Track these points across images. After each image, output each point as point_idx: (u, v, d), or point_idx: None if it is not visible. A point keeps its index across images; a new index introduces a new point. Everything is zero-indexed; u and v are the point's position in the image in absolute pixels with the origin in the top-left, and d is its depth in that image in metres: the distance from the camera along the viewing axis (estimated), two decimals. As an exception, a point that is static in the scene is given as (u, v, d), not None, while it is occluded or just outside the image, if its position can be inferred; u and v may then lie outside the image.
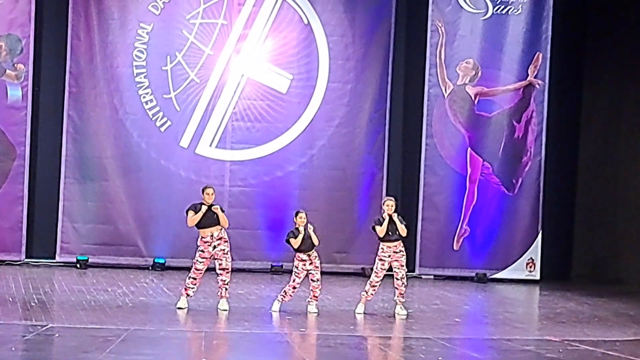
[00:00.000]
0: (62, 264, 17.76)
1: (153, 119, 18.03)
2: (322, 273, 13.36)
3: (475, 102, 18.52)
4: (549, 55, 18.63)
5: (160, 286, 15.56)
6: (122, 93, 17.96)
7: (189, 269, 13.32)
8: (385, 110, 18.52)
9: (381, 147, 18.48)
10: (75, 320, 11.78)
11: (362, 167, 18.46)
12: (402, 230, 13.25)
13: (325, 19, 18.34)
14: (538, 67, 18.61)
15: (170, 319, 12.47)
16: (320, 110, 18.36)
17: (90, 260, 17.78)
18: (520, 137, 18.63)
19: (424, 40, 18.50)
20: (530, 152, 18.63)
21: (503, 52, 18.60)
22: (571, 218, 19.58)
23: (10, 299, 13.27)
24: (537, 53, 18.63)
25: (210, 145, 18.15)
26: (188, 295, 13.10)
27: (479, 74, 18.51)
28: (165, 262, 17.79)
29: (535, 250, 18.63)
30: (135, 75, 17.97)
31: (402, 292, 13.33)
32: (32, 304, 12.93)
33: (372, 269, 13.52)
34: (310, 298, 13.25)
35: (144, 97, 18.00)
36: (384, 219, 13.24)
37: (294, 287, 13.16)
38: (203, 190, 13.18)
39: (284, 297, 13.19)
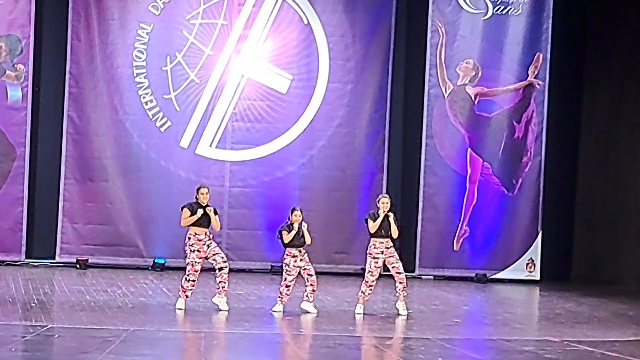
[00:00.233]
0: (62, 265, 17.77)
1: (153, 119, 18.04)
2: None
3: (476, 102, 18.52)
4: (549, 56, 18.64)
5: (160, 286, 15.56)
6: (122, 93, 17.97)
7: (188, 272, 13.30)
8: (385, 111, 18.53)
9: (381, 147, 18.49)
10: (75, 321, 11.78)
11: (362, 168, 18.47)
12: (395, 231, 13.21)
13: (326, 20, 18.35)
14: (538, 68, 18.62)
15: (170, 319, 12.47)
16: (320, 110, 18.37)
17: (90, 260, 17.78)
18: (520, 137, 18.63)
19: (424, 41, 18.51)
20: (530, 152, 18.63)
21: (503, 52, 18.60)
22: (571, 218, 19.58)
23: (10, 300, 13.27)
24: (537, 53, 18.64)
25: (210, 145, 18.16)
26: (187, 296, 13.10)
27: (479, 74, 18.52)
28: (165, 263, 17.80)
29: (535, 250, 18.63)
30: (135, 75, 17.97)
31: (405, 286, 13.29)
32: (32, 304, 12.94)
33: (363, 268, 13.45)
34: (309, 293, 13.19)
35: (144, 97, 18.01)
36: (378, 215, 13.22)
37: (287, 286, 13.13)
38: (198, 190, 13.17)
39: (282, 298, 13.19)
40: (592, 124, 19.41)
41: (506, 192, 18.59)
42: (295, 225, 13.07)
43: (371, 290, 13.37)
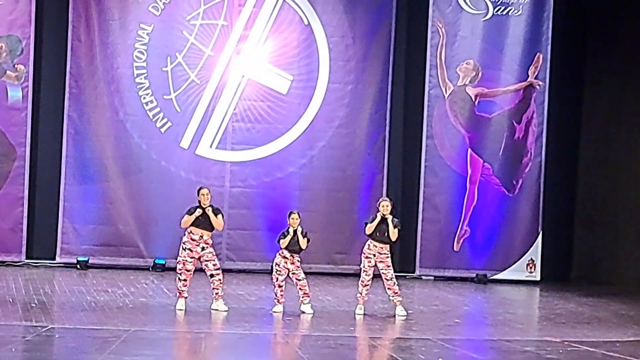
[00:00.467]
0: (62, 265, 17.77)
1: (153, 119, 18.04)
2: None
3: (476, 103, 18.52)
4: (549, 56, 18.64)
5: (161, 287, 15.56)
6: (123, 94, 17.97)
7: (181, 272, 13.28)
8: (385, 111, 18.53)
9: (381, 148, 18.49)
10: (76, 321, 11.78)
11: (362, 168, 18.47)
12: (393, 234, 13.20)
13: (326, 20, 18.35)
14: (538, 68, 18.62)
15: (171, 320, 12.47)
16: (320, 111, 18.37)
17: (90, 261, 17.78)
18: (520, 138, 18.64)
19: (424, 41, 18.51)
20: (531, 153, 18.64)
21: (503, 53, 18.60)
22: (571, 219, 19.59)
23: (11, 300, 13.27)
24: (538, 54, 18.64)
25: (211, 146, 18.16)
26: (184, 297, 13.09)
27: (480, 74, 18.52)
28: (165, 263, 17.78)
29: (536, 251, 18.63)
30: (135, 76, 17.98)
31: (396, 291, 13.30)
32: (33, 305, 12.93)
33: (361, 268, 13.45)
34: (302, 296, 13.23)
35: (144, 98, 18.01)
36: (374, 219, 13.25)
37: (280, 286, 13.14)
38: (198, 192, 13.17)
39: (278, 299, 13.20)
40: (592, 125, 19.42)
41: (506, 192, 18.59)
42: (291, 230, 13.09)
43: (367, 289, 13.36)
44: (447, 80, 18.47)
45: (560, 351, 10.80)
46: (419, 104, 18.55)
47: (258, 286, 16.23)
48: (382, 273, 13.27)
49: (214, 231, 13.14)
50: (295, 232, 13.08)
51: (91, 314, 12.37)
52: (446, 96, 18.49)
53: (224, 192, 17.90)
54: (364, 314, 13.27)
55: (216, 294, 13.10)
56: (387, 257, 13.28)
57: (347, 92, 18.44)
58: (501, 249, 18.56)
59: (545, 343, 11.44)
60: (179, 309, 13.01)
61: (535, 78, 18.63)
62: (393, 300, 13.35)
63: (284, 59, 18.29)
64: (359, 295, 13.40)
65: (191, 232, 13.00)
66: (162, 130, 18.06)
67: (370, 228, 13.22)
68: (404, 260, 18.28)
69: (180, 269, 13.03)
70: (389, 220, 13.17)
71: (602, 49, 19.19)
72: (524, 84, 18.63)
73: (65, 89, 17.88)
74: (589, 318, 13.94)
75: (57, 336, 10.72)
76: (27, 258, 17.75)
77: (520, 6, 18.63)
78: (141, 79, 17.98)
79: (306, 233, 13.19)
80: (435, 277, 18.48)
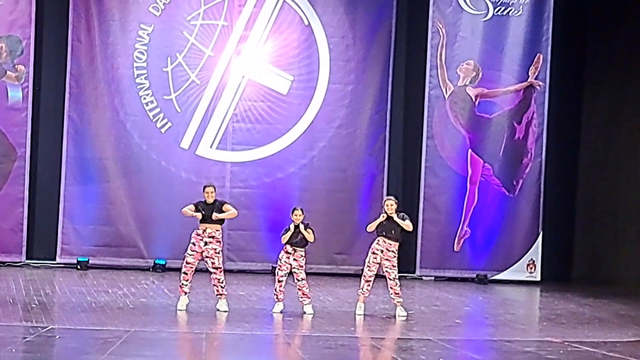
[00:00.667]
0: (62, 266, 17.77)
1: (154, 120, 18.04)
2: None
3: (476, 103, 18.52)
4: (549, 57, 18.64)
5: (161, 287, 15.56)
6: (123, 94, 17.97)
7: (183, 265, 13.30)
8: (385, 112, 18.53)
9: (382, 148, 18.49)
10: (76, 322, 11.78)
11: (362, 169, 18.47)
12: (407, 226, 13.22)
13: (326, 20, 18.35)
14: (539, 69, 18.62)
15: (171, 320, 12.47)
16: (320, 111, 18.37)
17: (90, 261, 17.78)
18: (520, 138, 18.64)
19: (424, 42, 18.51)
20: (531, 153, 18.64)
21: (504, 53, 18.61)
22: (572, 219, 19.58)
23: (11, 301, 13.27)
24: (538, 54, 18.64)
25: (211, 146, 18.16)
26: (185, 292, 13.09)
27: (480, 75, 18.52)
28: (165, 264, 17.79)
29: (536, 251, 18.63)
30: (135, 76, 17.98)
31: (398, 292, 13.30)
32: (33, 305, 12.93)
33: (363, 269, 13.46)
34: (301, 297, 13.23)
35: (145, 98, 18.01)
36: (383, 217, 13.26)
37: (279, 281, 13.14)
38: (204, 189, 13.22)
39: (277, 295, 13.20)
40: (592, 125, 19.42)
41: (507, 193, 18.59)
42: (292, 226, 13.09)
43: (369, 285, 13.32)
44: (447, 81, 18.47)
45: (561, 351, 10.80)
46: (420, 104, 18.55)
47: (259, 287, 16.22)
48: (386, 272, 13.26)
49: (223, 224, 13.14)
50: (296, 227, 13.08)
51: (91, 315, 12.37)
52: (446, 96, 18.49)
53: (224, 193, 17.87)
54: (365, 314, 13.26)
55: (217, 292, 13.10)
56: (394, 256, 13.27)
57: (347, 92, 18.44)
58: (501, 250, 18.56)
59: (545, 343, 11.44)
60: (179, 308, 13.00)
61: (536, 78, 18.63)
62: (394, 300, 13.34)
63: (284, 59, 18.30)
64: (360, 290, 13.39)
65: (197, 227, 13.05)
66: (163, 130, 18.06)
67: (371, 227, 13.22)
68: (404, 260, 18.15)
69: (183, 264, 13.10)
70: (395, 218, 13.16)
71: (602, 49, 19.19)
72: (524, 84, 18.63)
73: (66, 90, 17.88)
74: (589, 318, 13.93)
75: (57, 337, 10.71)
76: (27, 258, 17.76)
77: (521, 7, 18.63)
78: (141, 79, 17.99)
79: (308, 224, 13.18)
80: (435, 277, 18.48)
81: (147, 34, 17.98)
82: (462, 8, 18.52)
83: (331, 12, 18.38)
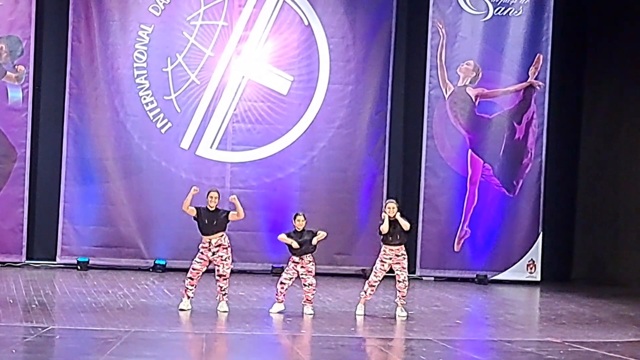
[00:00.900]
0: (62, 266, 17.77)
1: (154, 120, 18.04)
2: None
3: (476, 103, 18.52)
4: (549, 57, 18.64)
5: (161, 288, 15.56)
6: (123, 95, 17.97)
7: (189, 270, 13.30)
8: (386, 112, 18.53)
9: (382, 148, 18.48)
10: (76, 322, 11.78)
11: (362, 169, 18.47)
12: (405, 225, 13.21)
13: (326, 21, 18.34)
14: (539, 69, 18.62)
15: (171, 320, 12.47)
16: (320, 111, 18.37)
17: (91, 262, 17.78)
18: (520, 138, 18.63)
19: (424, 42, 18.51)
20: (531, 153, 18.63)
21: (503, 53, 18.60)
22: (572, 219, 19.58)
23: (11, 301, 13.27)
24: (538, 54, 18.64)
25: (211, 146, 18.16)
26: (189, 296, 13.11)
27: (480, 75, 18.52)
28: (166, 264, 17.79)
29: (536, 251, 18.63)
30: (135, 76, 17.97)
31: (404, 295, 13.34)
32: (33, 305, 12.93)
33: (372, 269, 13.50)
34: (304, 301, 13.25)
35: (145, 98, 18.01)
36: (383, 221, 13.24)
37: (282, 283, 13.13)
38: (207, 194, 13.19)
39: (277, 296, 13.20)
40: (592, 125, 19.42)
41: (507, 193, 18.59)
42: (293, 234, 13.08)
43: (372, 290, 13.38)
44: (447, 81, 18.47)
45: (561, 352, 10.80)
46: (419, 104, 18.55)
47: (259, 287, 16.22)
48: (396, 274, 13.29)
49: (225, 231, 13.12)
50: (302, 233, 13.07)
51: (92, 315, 12.37)
52: (446, 97, 18.49)
53: (225, 193, 17.81)
54: (365, 315, 13.27)
55: (219, 291, 13.10)
56: (404, 258, 13.30)
57: (347, 92, 18.44)
58: (501, 250, 18.56)
59: (546, 344, 11.44)
60: (181, 309, 13.01)
61: (536, 79, 18.63)
62: (397, 301, 13.33)
63: (284, 59, 18.29)
64: (362, 293, 13.40)
65: (202, 240, 13.06)
66: (163, 130, 18.06)
67: (385, 227, 13.16)
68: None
69: (190, 269, 13.08)
70: (398, 218, 13.15)
71: (602, 49, 19.19)
72: (524, 84, 18.63)
73: (66, 90, 17.88)
74: (589, 319, 13.93)
75: (57, 337, 10.72)
76: (27, 259, 17.75)
77: (521, 7, 18.63)
78: (141, 79, 17.99)
79: (315, 234, 13.18)
80: (435, 277, 18.48)
81: (147, 34, 17.98)
82: (462, 8, 18.52)
83: (331, 13, 18.38)
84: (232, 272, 13.16)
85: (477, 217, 18.48)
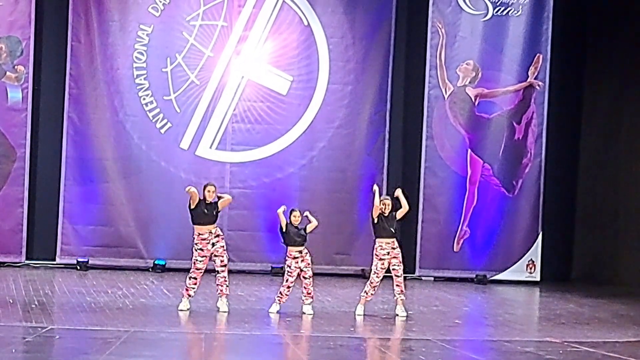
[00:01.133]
0: (62, 266, 17.77)
1: (153, 120, 18.04)
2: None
3: (476, 103, 18.52)
4: (549, 57, 18.64)
5: (161, 288, 15.56)
6: (122, 95, 17.97)
7: (189, 270, 13.30)
8: (385, 112, 18.53)
9: (381, 148, 18.49)
10: (76, 322, 11.79)
11: (362, 169, 18.47)
12: (405, 205, 13.36)
13: (326, 21, 18.35)
14: (538, 69, 18.62)
15: (171, 320, 12.47)
16: (320, 111, 18.37)
17: (90, 262, 17.78)
18: (520, 138, 18.64)
19: (424, 42, 18.51)
20: (531, 153, 18.64)
21: (503, 53, 18.61)
22: (571, 219, 19.58)
23: (11, 301, 13.27)
24: (538, 54, 18.64)
25: (211, 147, 18.16)
26: (190, 295, 13.11)
27: (479, 75, 18.52)
28: (165, 264, 17.80)
29: (536, 251, 18.64)
30: (135, 77, 17.98)
31: (403, 290, 13.33)
32: (33, 305, 12.93)
33: (371, 269, 13.49)
34: (305, 296, 13.23)
35: (144, 98, 18.01)
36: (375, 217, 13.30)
37: (288, 287, 13.16)
38: (204, 188, 13.21)
39: (280, 298, 13.21)
40: (592, 125, 19.42)
41: (506, 193, 18.59)
42: (283, 225, 13.08)
43: (374, 290, 13.39)
44: (447, 81, 18.47)
45: (560, 352, 10.80)
46: (419, 104, 18.55)
47: (258, 287, 16.23)
48: (393, 269, 13.29)
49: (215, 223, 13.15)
50: (297, 226, 13.12)
51: (91, 315, 12.38)
52: (446, 97, 18.49)
53: (224, 193, 17.86)
54: (364, 315, 13.27)
55: (220, 290, 13.11)
56: (399, 253, 13.35)
57: (347, 92, 18.44)
58: (501, 250, 18.56)
59: (545, 344, 11.44)
60: (181, 309, 13.01)
61: (535, 78, 18.63)
62: (397, 297, 13.32)
63: (284, 59, 18.30)
64: (363, 293, 13.40)
65: (199, 233, 13.03)
66: (162, 131, 18.07)
67: (376, 209, 13.23)
68: (403, 260, 18.20)
69: (192, 269, 13.08)
70: (399, 194, 13.31)
71: (602, 49, 19.19)
72: (523, 84, 18.63)
73: (65, 90, 17.88)
74: (589, 318, 13.94)
75: (57, 337, 10.72)
76: (27, 259, 17.75)
77: (520, 7, 18.63)
78: (141, 79, 17.99)
79: (304, 228, 13.21)
80: (435, 277, 18.48)
81: (147, 35, 17.98)
82: (461, 8, 18.52)
83: (331, 13, 18.39)
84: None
85: (477, 217, 18.48)
